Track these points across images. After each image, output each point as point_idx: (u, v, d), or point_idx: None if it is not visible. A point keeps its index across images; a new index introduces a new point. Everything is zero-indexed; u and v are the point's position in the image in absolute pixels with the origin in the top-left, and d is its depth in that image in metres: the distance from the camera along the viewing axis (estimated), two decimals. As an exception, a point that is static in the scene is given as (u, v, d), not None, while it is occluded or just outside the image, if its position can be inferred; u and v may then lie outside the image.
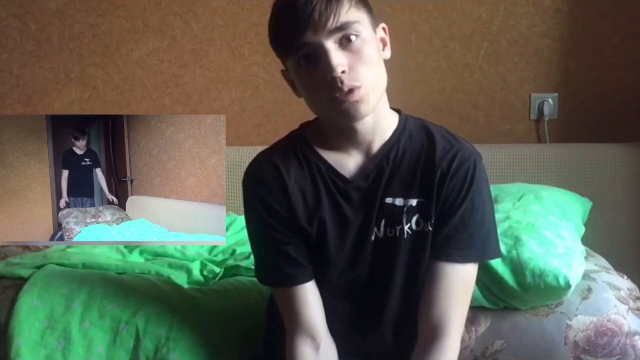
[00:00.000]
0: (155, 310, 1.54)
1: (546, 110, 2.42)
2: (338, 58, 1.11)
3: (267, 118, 2.53)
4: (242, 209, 1.30)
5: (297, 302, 1.25)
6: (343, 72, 1.11)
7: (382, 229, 1.23)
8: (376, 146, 1.24)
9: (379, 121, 1.22)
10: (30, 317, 1.51)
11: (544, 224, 1.68)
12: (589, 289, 1.57)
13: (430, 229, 1.22)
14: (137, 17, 2.46)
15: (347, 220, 1.23)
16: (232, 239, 2.09)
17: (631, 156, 2.29)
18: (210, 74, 2.50)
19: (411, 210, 1.22)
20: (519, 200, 1.84)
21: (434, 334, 1.20)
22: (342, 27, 1.11)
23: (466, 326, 1.55)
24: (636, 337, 1.50)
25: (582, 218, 1.94)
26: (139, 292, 1.58)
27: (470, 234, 1.22)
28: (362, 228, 1.23)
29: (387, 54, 1.22)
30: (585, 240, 1.82)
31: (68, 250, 1.92)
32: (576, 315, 1.52)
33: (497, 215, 1.74)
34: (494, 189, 1.91)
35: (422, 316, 1.23)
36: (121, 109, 2.51)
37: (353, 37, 1.12)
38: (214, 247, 2.05)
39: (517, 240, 1.59)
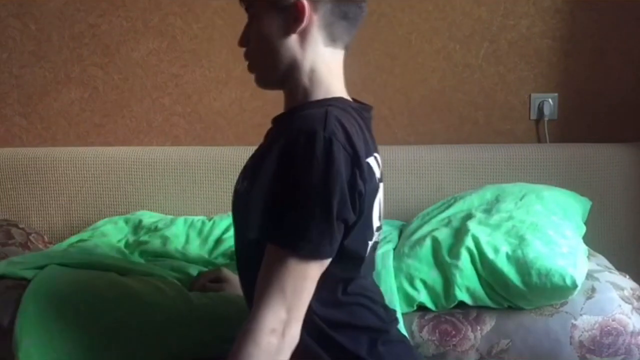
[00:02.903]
0: (158, 313, 1.53)
1: (546, 110, 2.42)
2: (243, 32, 1.19)
3: (267, 118, 2.47)
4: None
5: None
6: (241, 45, 1.20)
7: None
8: None
9: (286, 100, 1.26)
10: (35, 318, 1.51)
11: (547, 223, 1.68)
12: (593, 289, 1.58)
13: (243, 189, 1.18)
14: (137, 17, 2.45)
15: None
16: (232, 240, 2.08)
17: (631, 156, 2.29)
18: (210, 74, 2.49)
19: (246, 169, 1.23)
20: (520, 200, 1.84)
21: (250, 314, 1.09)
22: None
23: (471, 325, 1.55)
24: (640, 337, 1.51)
25: (582, 218, 1.95)
26: (142, 294, 1.57)
27: (281, 213, 1.07)
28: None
29: (294, 28, 1.15)
30: (585, 240, 1.82)
31: (70, 250, 1.91)
32: (581, 315, 1.53)
33: (500, 215, 1.74)
34: (496, 189, 1.92)
35: None
36: (121, 109, 2.50)
37: (250, 10, 1.20)
38: (214, 250, 2.05)
39: (521, 239, 1.59)
